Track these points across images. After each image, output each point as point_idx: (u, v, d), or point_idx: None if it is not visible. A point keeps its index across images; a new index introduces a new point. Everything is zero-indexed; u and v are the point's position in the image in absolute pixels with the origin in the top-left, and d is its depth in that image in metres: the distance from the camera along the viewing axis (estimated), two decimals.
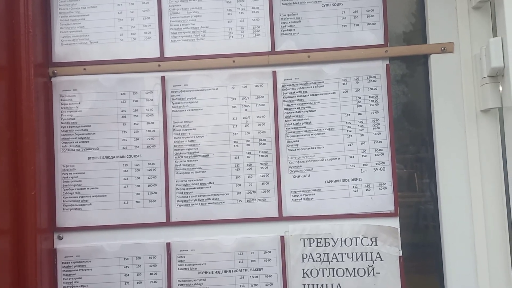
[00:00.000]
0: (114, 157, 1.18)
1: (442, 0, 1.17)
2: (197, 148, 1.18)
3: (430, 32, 1.17)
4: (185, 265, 1.15)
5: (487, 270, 1.12)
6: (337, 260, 1.14)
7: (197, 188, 1.17)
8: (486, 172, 1.13)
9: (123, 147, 1.18)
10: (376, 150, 1.16)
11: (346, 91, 1.18)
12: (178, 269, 1.15)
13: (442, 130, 1.16)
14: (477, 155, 1.13)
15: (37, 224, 1.07)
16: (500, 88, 1.07)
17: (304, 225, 1.15)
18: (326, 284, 1.14)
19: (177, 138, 1.18)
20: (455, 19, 1.16)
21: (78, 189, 1.17)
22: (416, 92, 1.22)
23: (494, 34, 1.12)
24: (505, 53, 1.02)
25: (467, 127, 1.14)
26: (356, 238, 1.14)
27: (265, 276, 1.15)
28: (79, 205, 1.17)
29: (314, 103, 1.18)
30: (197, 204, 1.17)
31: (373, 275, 1.13)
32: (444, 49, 1.16)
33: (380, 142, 1.16)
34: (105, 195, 1.17)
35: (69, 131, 1.18)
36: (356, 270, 1.14)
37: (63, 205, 1.17)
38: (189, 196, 1.17)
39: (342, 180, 1.16)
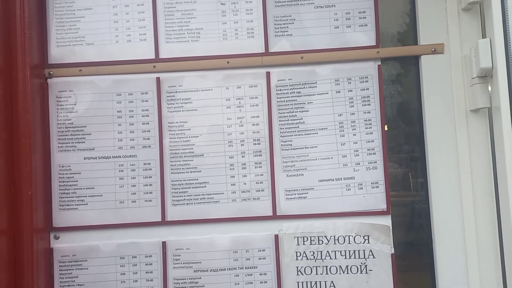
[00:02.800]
0: (110, 157, 1.19)
1: (433, 2, 1.19)
2: (192, 148, 1.19)
3: (421, 33, 1.19)
4: (181, 263, 1.17)
5: (477, 266, 1.14)
6: (331, 258, 1.16)
7: (192, 187, 1.18)
8: (476, 170, 1.15)
9: (118, 148, 1.20)
10: (368, 150, 1.18)
11: (339, 92, 1.20)
12: (174, 267, 1.17)
13: (433, 129, 1.18)
14: (467, 154, 1.16)
15: (34, 224, 1.08)
16: (489, 88, 1.10)
17: (298, 223, 1.17)
18: (320, 282, 1.16)
19: (172, 138, 1.20)
20: (445, 20, 1.18)
21: (74, 189, 1.18)
22: (407, 92, 1.24)
23: (483, 35, 1.14)
24: (493, 54, 1.05)
25: (458, 126, 1.16)
26: (349, 236, 1.16)
27: (260, 274, 1.17)
28: (75, 205, 1.18)
29: (307, 103, 1.20)
30: (192, 203, 1.18)
31: (366, 273, 1.15)
32: (434, 50, 1.18)
33: (372, 141, 1.18)
34: (101, 195, 1.18)
35: (65, 131, 1.20)
36: (349, 268, 1.16)
37: (59, 205, 1.18)
38: (184, 196, 1.18)
39: (335, 179, 1.18)
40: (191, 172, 1.19)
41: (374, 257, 1.15)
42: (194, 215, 1.18)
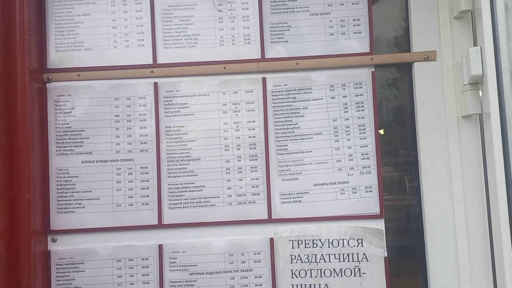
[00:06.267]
0: (107, 161, 1.21)
1: (425, 10, 1.21)
2: (188, 152, 1.21)
3: (414, 40, 1.22)
4: (177, 266, 1.18)
5: (468, 270, 1.16)
6: (325, 261, 1.18)
7: (189, 191, 1.20)
8: (467, 175, 1.17)
9: (116, 151, 1.21)
10: (362, 154, 1.20)
11: (334, 97, 1.22)
12: (170, 270, 1.18)
13: (425, 135, 1.20)
14: (459, 159, 1.18)
15: (31, 227, 1.09)
16: (480, 95, 1.12)
17: (293, 227, 1.19)
18: (314, 284, 1.17)
19: (169, 142, 1.21)
20: (437, 28, 1.21)
21: (71, 192, 1.20)
22: (400, 98, 1.26)
23: (475, 43, 1.17)
24: (484, 61, 1.07)
25: (449, 132, 1.19)
26: (343, 239, 1.18)
27: (255, 277, 1.18)
28: (73, 208, 1.19)
29: (303, 108, 1.22)
30: (188, 206, 1.20)
31: (359, 276, 1.17)
32: (427, 57, 1.20)
33: (366, 146, 1.20)
34: (98, 198, 1.20)
35: (63, 135, 1.21)
36: (342, 271, 1.17)
37: (57, 208, 1.19)
38: (181, 199, 1.20)
39: (329, 183, 1.20)
40: (187, 176, 1.20)
41: (367, 260, 1.17)
42: (190, 218, 1.19)
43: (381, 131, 1.24)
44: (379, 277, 1.17)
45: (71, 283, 1.18)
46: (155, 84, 1.22)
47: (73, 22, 1.23)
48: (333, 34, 1.23)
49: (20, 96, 1.09)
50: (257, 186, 1.20)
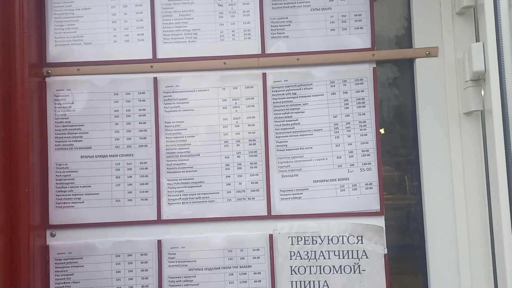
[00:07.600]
0: (106, 156, 1.20)
1: (427, 6, 1.20)
2: (188, 148, 1.20)
3: (416, 36, 1.21)
4: (176, 262, 1.18)
5: (469, 268, 1.15)
6: (324, 258, 1.17)
7: (188, 187, 1.19)
8: (468, 172, 1.17)
9: (115, 146, 1.21)
10: (362, 151, 1.20)
11: (334, 93, 1.21)
12: (169, 266, 1.18)
13: (426, 132, 1.19)
14: (460, 156, 1.17)
15: (30, 221, 1.08)
16: (482, 92, 1.11)
17: (292, 223, 1.18)
18: (313, 281, 1.17)
19: (168, 138, 1.21)
20: (439, 24, 1.20)
21: (71, 187, 1.19)
22: (402, 95, 1.25)
23: (477, 39, 1.16)
24: (486, 58, 1.06)
25: (451, 129, 1.18)
26: (342, 236, 1.17)
27: (254, 273, 1.18)
28: (72, 203, 1.19)
29: (303, 104, 1.21)
30: (187, 202, 1.19)
31: (359, 272, 1.16)
32: (429, 53, 1.20)
33: (367, 143, 1.20)
34: (98, 193, 1.19)
35: (63, 130, 1.21)
36: (342, 267, 1.17)
37: (56, 203, 1.19)
38: (180, 195, 1.19)
39: (329, 180, 1.19)
40: (187, 171, 1.20)
41: (367, 257, 1.17)
42: (189, 214, 1.19)
43: (382, 130, 1.23)
44: (379, 274, 1.16)
45: (69, 278, 1.18)
46: (155, 79, 1.21)
47: (72, 16, 1.22)
48: (334, 29, 1.22)
49: (19, 90, 1.09)
50: (256, 182, 1.20)
